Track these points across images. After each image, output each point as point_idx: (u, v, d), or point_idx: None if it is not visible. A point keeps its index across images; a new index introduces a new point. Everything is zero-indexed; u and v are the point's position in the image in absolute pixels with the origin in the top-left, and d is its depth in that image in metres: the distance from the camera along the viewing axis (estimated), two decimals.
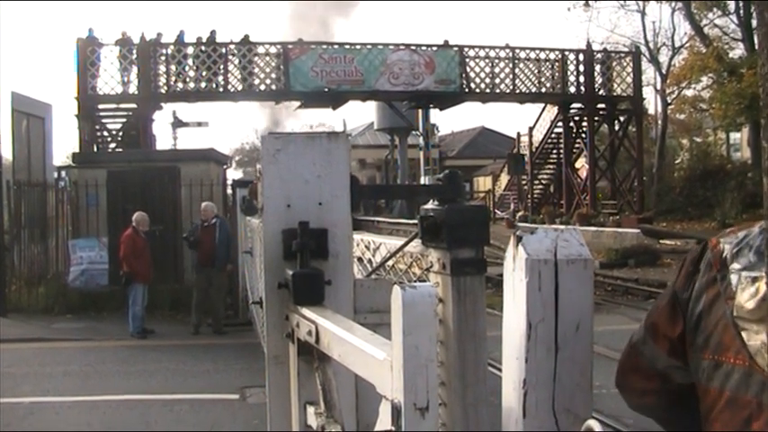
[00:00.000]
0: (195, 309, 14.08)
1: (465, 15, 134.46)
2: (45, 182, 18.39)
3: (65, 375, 10.86)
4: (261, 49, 27.00)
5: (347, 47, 27.74)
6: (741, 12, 32.24)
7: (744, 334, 1.53)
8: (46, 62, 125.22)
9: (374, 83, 27.60)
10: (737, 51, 34.22)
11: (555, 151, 35.08)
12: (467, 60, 28.52)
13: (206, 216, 14.04)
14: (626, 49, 33.46)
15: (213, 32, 26.79)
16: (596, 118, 31.03)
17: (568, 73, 29.80)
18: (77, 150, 23.52)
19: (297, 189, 2.39)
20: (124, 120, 26.41)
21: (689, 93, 37.22)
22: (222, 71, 26.50)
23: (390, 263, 2.82)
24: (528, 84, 29.17)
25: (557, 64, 29.64)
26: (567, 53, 30.09)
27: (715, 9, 34.74)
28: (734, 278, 1.58)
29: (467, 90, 28.63)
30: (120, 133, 26.14)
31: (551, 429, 1.77)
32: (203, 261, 13.88)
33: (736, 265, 1.58)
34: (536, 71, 29.36)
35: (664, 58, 38.33)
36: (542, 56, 29.65)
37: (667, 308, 1.72)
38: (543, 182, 36.95)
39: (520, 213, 35.09)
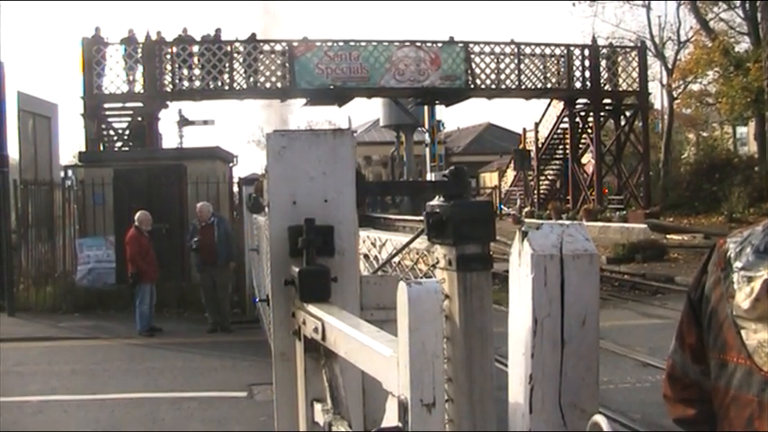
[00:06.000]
0: (208, 308, 14.11)
1: (470, 11, 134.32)
2: (52, 181, 18.41)
3: (72, 374, 10.89)
4: (266, 47, 27.02)
5: (352, 44, 27.70)
6: (747, 5, 32.09)
7: (743, 333, 1.54)
8: (52, 62, 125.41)
9: (379, 79, 27.58)
10: (743, 45, 34.11)
11: (561, 147, 35.06)
12: (472, 56, 28.49)
13: (202, 217, 14.01)
14: (631, 44, 33.32)
15: (218, 31, 26.82)
16: (602, 113, 30.99)
17: (574, 68, 29.75)
18: (84, 149, 23.56)
19: (302, 186, 2.39)
20: (130, 118, 26.45)
21: (695, 87, 37.07)
22: (228, 69, 26.53)
23: (396, 259, 2.82)
24: (533, 79, 29.13)
25: (562, 59, 29.58)
26: (572, 48, 30.04)
27: (720, 3, 34.61)
28: (735, 277, 1.59)
29: (472, 86, 28.60)
30: (127, 132, 26.19)
31: (558, 424, 1.77)
32: (205, 260, 13.86)
33: (738, 264, 1.59)
34: (541, 67, 29.32)
35: (669, 52, 38.19)
36: (548, 51, 29.62)
37: (685, 313, 1.74)
38: (549, 177, 36.94)
39: (526, 209, 35.06)
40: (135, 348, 12.66)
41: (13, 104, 18.44)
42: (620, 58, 30.68)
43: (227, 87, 26.81)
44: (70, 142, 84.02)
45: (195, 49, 26.54)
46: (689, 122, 44.36)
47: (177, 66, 26.45)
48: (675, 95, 37.03)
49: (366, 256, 3.26)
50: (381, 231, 3.26)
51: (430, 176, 36.46)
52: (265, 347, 8.16)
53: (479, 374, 1.97)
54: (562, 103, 32.27)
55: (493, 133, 61.83)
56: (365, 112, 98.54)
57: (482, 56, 28.71)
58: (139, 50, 25.95)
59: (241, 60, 26.71)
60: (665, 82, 38.08)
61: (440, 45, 28.47)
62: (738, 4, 33.49)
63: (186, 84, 26.77)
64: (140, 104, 26.25)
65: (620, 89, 30.33)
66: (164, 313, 14.97)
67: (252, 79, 26.78)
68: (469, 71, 28.32)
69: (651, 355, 10.61)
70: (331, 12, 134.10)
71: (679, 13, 40.27)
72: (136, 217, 13.87)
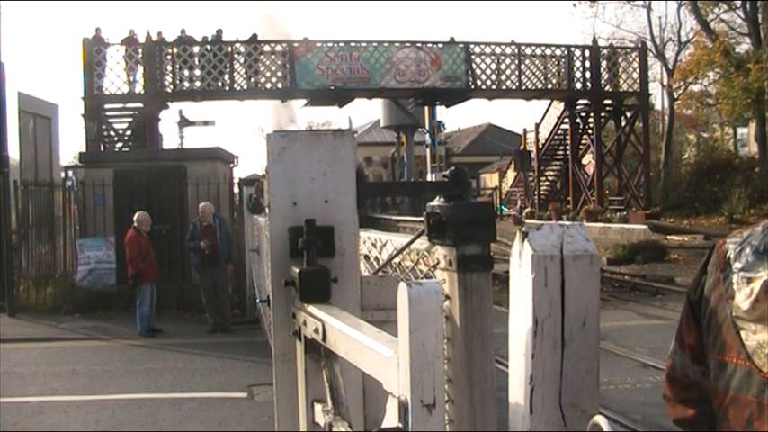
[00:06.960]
0: (208, 309, 14.11)
1: (470, 11, 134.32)
2: (52, 182, 18.41)
3: (73, 374, 10.89)
4: (267, 48, 27.01)
5: (353, 44, 27.67)
6: (747, 6, 32.08)
7: (742, 333, 1.54)
8: (52, 62, 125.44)
9: (380, 80, 27.55)
10: (744, 46, 34.12)
11: (561, 148, 35.01)
12: (473, 57, 28.45)
13: (204, 217, 14.01)
14: (632, 45, 33.32)
15: (219, 31, 26.82)
16: (603, 114, 30.96)
17: (574, 69, 29.71)
18: (84, 150, 23.54)
19: (303, 187, 2.39)
20: (130, 119, 26.43)
21: (695, 88, 37.05)
22: (228, 70, 26.51)
23: (397, 260, 2.81)
24: (534, 80, 29.10)
25: (563, 60, 29.55)
26: (572, 49, 30.01)
27: (721, 4, 34.60)
28: (734, 278, 1.59)
29: (473, 87, 28.56)
30: (127, 132, 26.18)
31: (558, 425, 1.77)
32: (206, 261, 13.83)
33: (737, 265, 1.59)
34: (542, 67, 29.28)
35: (670, 53, 38.19)
36: (548, 52, 29.58)
37: (684, 314, 1.74)
38: (550, 178, 36.89)
39: (526, 210, 35.03)
40: (135, 349, 12.67)
41: (14, 105, 18.47)
42: (620, 59, 30.64)
43: (227, 88, 26.77)
44: (71, 143, 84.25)
45: (196, 49, 26.52)
46: (689, 123, 44.35)
47: (178, 66, 26.43)
48: (676, 96, 37.03)
49: (366, 257, 3.25)
50: (382, 232, 3.25)
51: (430, 177, 36.45)
52: (266, 348, 8.16)
53: (480, 375, 1.97)
54: (563, 103, 32.24)
55: (493, 134, 61.77)
56: (365, 113, 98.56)
57: (482, 56, 28.67)
58: (140, 51, 25.93)
59: (242, 61, 26.67)
60: (665, 83, 38.10)
61: (440, 46, 28.43)
62: (739, 4, 33.50)
63: (187, 84, 26.74)
64: (141, 105, 26.23)
65: (621, 90, 30.30)
66: (164, 314, 14.97)
67: (252, 80, 26.75)
68: (470, 72, 28.29)
69: (651, 356, 10.61)
70: (331, 12, 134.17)
71: (680, 14, 40.37)
72: (134, 218, 13.85)
